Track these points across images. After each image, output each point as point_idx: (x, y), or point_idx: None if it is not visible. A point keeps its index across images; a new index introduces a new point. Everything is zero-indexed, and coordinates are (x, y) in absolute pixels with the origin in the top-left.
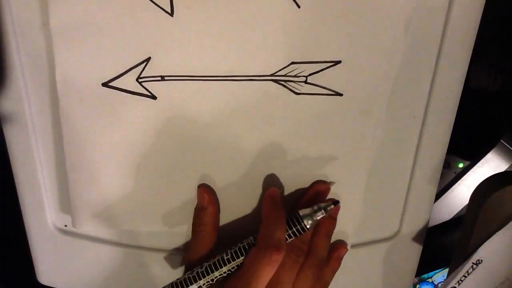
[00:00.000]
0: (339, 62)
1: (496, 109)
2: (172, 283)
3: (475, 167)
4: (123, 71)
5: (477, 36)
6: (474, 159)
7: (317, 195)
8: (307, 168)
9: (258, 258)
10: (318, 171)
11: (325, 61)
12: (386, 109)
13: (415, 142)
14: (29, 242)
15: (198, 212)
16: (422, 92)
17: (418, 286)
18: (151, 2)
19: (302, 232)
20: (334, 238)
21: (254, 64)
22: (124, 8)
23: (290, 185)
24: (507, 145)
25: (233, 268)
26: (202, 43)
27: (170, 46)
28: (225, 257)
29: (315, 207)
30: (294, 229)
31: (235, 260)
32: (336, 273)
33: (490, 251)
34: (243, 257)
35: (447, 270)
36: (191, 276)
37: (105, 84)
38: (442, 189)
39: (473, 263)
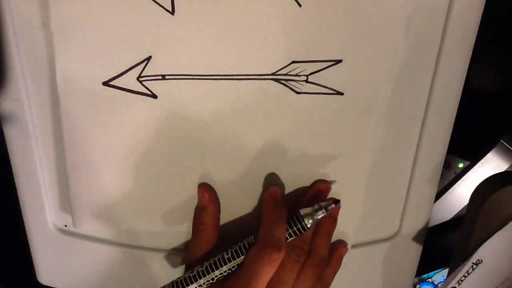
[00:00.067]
0: (340, 61)
1: (496, 109)
2: (172, 282)
3: (475, 167)
4: (124, 70)
5: (477, 36)
6: (474, 159)
7: (317, 194)
8: (308, 167)
9: (258, 257)
10: (318, 170)
11: (326, 60)
12: (386, 109)
13: (415, 142)
14: (29, 242)
15: (199, 211)
16: (422, 92)
17: (418, 286)
18: (152, 1)
19: (302, 231)
20: (334, 238)
21: (255, 63)
22: (125, 7)
23: (291, 184)
24: (507, 145)
25: (233, 267)
26: (203, 42)
27: (171, 45)
28: (226, 256)
29: (316, 206)
30: (294, 228)
31: (235, 259)
32: (337, 273)
33: (490, 251)
34: (243, 256)
35: (447, 270)
36: (191, 275)
37: (105, 83)
38: (442, 189)
39: (473, 263)
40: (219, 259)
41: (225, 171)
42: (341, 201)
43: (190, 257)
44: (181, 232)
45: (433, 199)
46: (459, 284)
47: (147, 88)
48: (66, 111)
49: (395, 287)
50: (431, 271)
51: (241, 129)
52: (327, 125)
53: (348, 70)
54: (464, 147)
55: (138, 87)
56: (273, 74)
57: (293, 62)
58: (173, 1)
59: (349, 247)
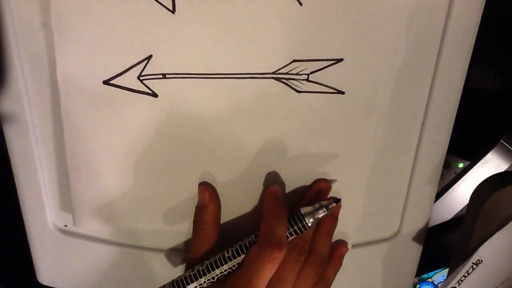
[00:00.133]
0: (341, 60)
1: (496, 109)
2: (173, 281)
3: (475, 167)
4: (125, 69)
5: (477, 36)
6: (474, 159)
7: (318, 193)
8: (308, 166)
9: (259, 256)
10: (319, 170)
11: (327, 59)
12: (387, 108)
13: (415, 142)
14: (29, 242)
15: (199, 210)
16: (422, 92)
17: (418, 286)
18: (153, 0)
19: (303, 230)
20: (334, 238)
21: (256, 62)
22: (126, 6)
23: (291, 183)
24: (507, 145)
25: (234, 266)
26: (203, 41)
27: (172, 44)
28: (226, 255)
29: (317, 205)
30: (295, 227)
31: (236, 258)
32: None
33: (490, 251)
34: (244, 255)
35: (447, 270)
36: (192, 274)
37: (106, 82)
38: (442, 189)
39: (473, 263)
40: (219, 258)
41: (225, 170)
42: (342, 201)
43: (191, 256)
44: (181, 231)
45: (433, 199)
46: (459, 284)
47: (147, 87)
48: (66, 110)
49: (395, 287)
50: (431, 271)
51: (242, 128)
52: (328, 124)
53: (349, 69)
54: (464, 147)
55: (139, 86)
56: (274, 73)
57: (294, 61)
58: (174, 0)
59: (349, 246)
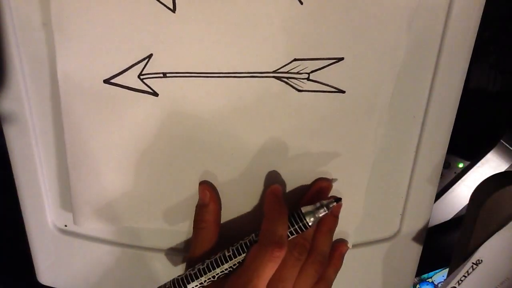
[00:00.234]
0: (342, 59)
1: (496, 109)
2: (173, 280)
3: (475, 167)
4: (125, 68)
5: (477, 36)
6: (474, 159)
7: (319, 192)
8: (309, 165)
9: (259, 255)
10: (320, 169)
11: (328, 58)
12: (387, 108)
13: (415, 142)
14: (29, 242)
15: (200, 209)
16: (422, 92)
17: (418, 286)
18: None
19: (304, 229)
20: (335, 237)
21: (256, 61)
22: (126, 5)
23: (292, 182)
24: (507, 145)
25: (234, 265)
26: (204, 39)
27: (172, 43)
28: (227, 254)
29: (317, 204)
30: (296, 226)
31: (236, 257)
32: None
33: (490, 251)
34: (244, 254)
35: (447, 270)
36: (192, 273)
37: (106, 81)
38: (442, 189)
39: (473, 263)
40: (220, 257)
41: (226, 169)
42: (342, 200)
43: (191, 255)
44: (182, 231)
45: (433, 199)
46: (459, 284)
47: (148, 86)
48: (67, 109)
49: (395, 287)
50: (431, 271)
51: (242, 127)
52: (328, 123)
53: (349, 68)
54: (464, 147)
55: (139, 85)
56: (274, 71)
57: (295, 59)
58: None
59: (349, 245)
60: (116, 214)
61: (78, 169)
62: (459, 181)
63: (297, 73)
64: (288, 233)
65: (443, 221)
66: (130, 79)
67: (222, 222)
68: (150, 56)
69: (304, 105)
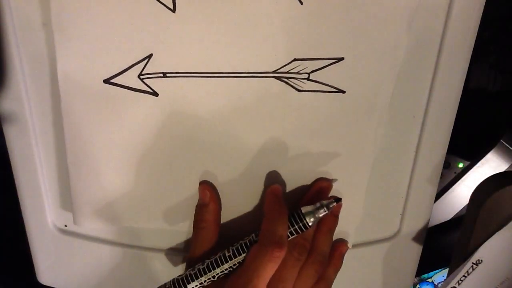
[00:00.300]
0: (342, 59)
1: (496, 109)
2: (173, 280)
3: (475, 167)
4: (125, 67)
5: (477, 36)
6: (474, 159)
7: (319, 192)
8: (309, 165)
9: (259, 255)
10: (320, 169)
11: (328, 58)
12: (387, 108)
13: (415, 142)
14: (29, 242)
15: (200, 209)
16: (422, 92)
17: (418, 286)
18: None
19: (304, 229)
20: (335, 237)
21: (257, 61)
22: (126, 5)
23: (292, 182)
24: (507, 145)
25: (234, 265)
26: (204, 39)
27: (172, 43)
28: (227, 254)
29: (318, 205)
30: (296, 226)
31: (236, 257)
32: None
33: (490, 251)
34: (244, 254)
35: (447, 270)
36: (192, 273)
37: (106, 81)
38: (442, 189)
39: (473, 263)
40: (220, 257)
41: (226, 169)
42: (342, 200)
43: (191, 255)
44: (182, 231)
45: (433, 199)
46: (459, 284)
47: (148, 86)
48: (67, 109)
49: (395, 287)
50: (431, 271)
51: (242, 127)
52: (328, 123)
53: (349, 68)
54: (464, 147)
55: (139, 85)
56: (274, 71)
57: (295, 59)
58: None
59: (349, 245)
60: (116, 214)
61: (78, 169)
62: (459, 181)
63: (297, 73)
64: (288, 233)
65: (443, 221)
66: (130, 79)
67: (222, 222)
68: (150, 56)
69: (304, 105)
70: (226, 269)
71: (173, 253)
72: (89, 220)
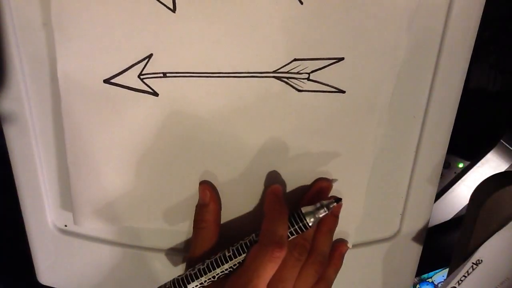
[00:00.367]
0: (342, 59)
1: (496, 109)
2: (173, 280)
3: (475, 167)
4: (125, 67)
5: (477, 36)
6: (474, 159)
7: (319, 192)
8: (309, 165)
9: (260, 255)
10: (320, 169)
11: (328, 58)
12: (387, 108)
13: (415, 142)
14: (29, 242)
15: (200, 209)
16: (422, 92)
17: (418, 286)
18: None
19: (304, 229)
20: (335, 237)
21: (257, 61)
22: (126, 5)
23: (292, 182)
24: (507, 145)
25: (235, 265)
26: (204, 39)
27: (172, 43)
28: (227, 254)
29: (318, 205)
30: (296, 226)
31: (237, 257)
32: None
33: (490, 251)
34: (245, 254)
35: (447, 270)
36: (192, 273)
37: (106, 81)
38: (442, 189)
39: (473, 263)
40: (220, 257)
41: (226, 169)
42: (342, 200)
43: (191, 255)
44: (182, 231)
45: (433, 199)
46: (459, 284)
47: (148, 86)
48: (67, 109)
49: (395, 287)
50: (431, 271)
51: (243, 127)
52: (328, 123)
53: (349, 68)
54: (464, 147)
55: (139, 85)
56: (274, 71)
57: (295, 59)
58: None
59: (349, 245)
60: (116, 214)
61: (78, 169)
62: (459, 181)
63: (297, 73)
64: (288, 234)
65: (443, 221)
66: (130, 79)
67: (222, 222)
68: (150, 56)
69: (304, 105)
70: (226, 269)
71: (173, 253)
72: (89, 220)
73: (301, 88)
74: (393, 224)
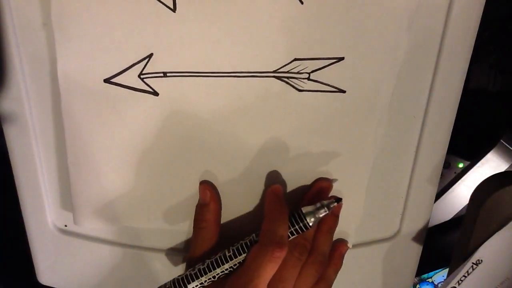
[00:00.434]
0: (342, 59)
1: (496, 109)
2: (173, 280)
3: (475, 167)
4: (125, 67)
5: (477, 36)
6: (474, 159)
7: (319, 192)
8: (309, 165)
9: (260, 255)
10: (320, 168)
11: (328, 57)
12: (388, 108)
13: (415, 142)
14: (29, 242)
15: (200, 208)
16: (422, 92)
17: (418, 286)
18: None
19: (304, 229)
20: (335, 237)
21: (257, 61)
22: (126, 4)
23: (292, 182)
24: (507, 145)
25: (235, 265)
26: (204, 39)
27: (172, 42)
28: (227, 254)
29: (318, 205)
30: (296, 226)
31: (237, 257)
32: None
33: (490, 251)
34: (245, 254)
35: (447, 270)
36: (192, 273)
37: (107, 81)
38: (442, 189)
39: (473, 263)
40: (220, 257)
41: (226, 169)
42: (343, 199)
43: (191, 255)
44: (182, 230)
45: (433, 199)
46: (459, 284)
47: (148, 86)
48: (67, 109)
49: (395, 287)
50: (431, 271)
51: (243, 127)
52: (329, 123)
53: (350, 68)
54: (464, 147)
55: (140, 85)
56: (274, 71)
57: (295, 59)
58: None
59: (349, 245)
60: (116, 214)
61: (78, 169)
62: (459, 181)
63: (298, 73)
64: (289, 233)
65: (443, 221)
66: (130, 78)
67: (222, 222)
68: (150, 55)
69: (304, 105)
70: (226, 269)
71: (173, 253)
72: (89, 220)
73: (301, 88)
74: (393, 224)
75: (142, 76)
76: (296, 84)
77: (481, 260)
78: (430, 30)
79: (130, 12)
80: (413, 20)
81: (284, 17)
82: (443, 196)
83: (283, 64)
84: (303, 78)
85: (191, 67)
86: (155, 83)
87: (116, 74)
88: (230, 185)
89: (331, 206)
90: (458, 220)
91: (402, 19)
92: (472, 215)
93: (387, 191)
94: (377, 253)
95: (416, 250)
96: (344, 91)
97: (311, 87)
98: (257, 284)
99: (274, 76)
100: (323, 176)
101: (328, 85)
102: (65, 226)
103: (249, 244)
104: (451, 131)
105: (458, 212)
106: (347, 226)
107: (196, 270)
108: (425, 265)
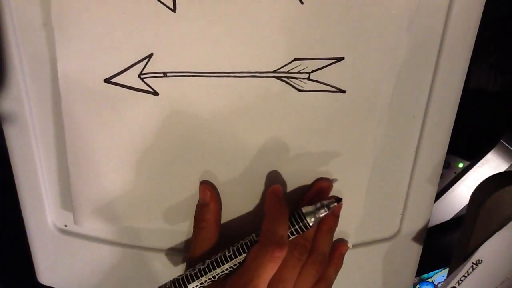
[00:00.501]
0: (342, 58)
1: (496, 109)
2: (174, 280)
3: (475, 167)
4: (125, 67)
5: (477, 36)
6: (474, 159)
7: (319, 192)
8: (309, 165)
9: (260, 255)
10: (320, 169)
11: (328, 57)
12: (388, 108)
13: (415, 142)
14: (29, 242)
15: (200, 208)
16: (422, 92)
17: (418, 286)
18: None
19: (304, 229)
20: (335, 237)
21: (257, 61)
22: (126, 4)
23: (292, 182)
24: (507, 145)
25: (235, 265)
26: (204, 39)
27: (172, 42)
28: (227, 254)
29: (318, 205)
30: (296, 226)
31: (237, 257)
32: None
33: (490, 251)
34: (245, 254)
35: (447, 270)
36: (192, 273)
37: (107, 80)
38: (442, 189)
39: (473, 263)
40: (220, 257)
41: (226, 169)
42: (343, 199)
43: (191, 255)
44: (182, 230)
45: (433, 199)
46: (459, 284)
47: (148, 86)
48: (67, 109)
49: (395, 287)
50: (431, 271)
51: (243, 127)
52: (329, 123)
53: (350, 67)
54: (464, 147)
55: (140, 84)
56: (275, 71)
57: (295, 59)
58: None
59: (349, 245)
60: (116, 214)
61: (79, 168)
62: (459, 181)
63: (298, 72)
64: (289, 233)
65: (443, 221)
66: (130, 78)
67: (222, 222)
68: (150, 55)
69: (304, 105)
70: (226, 269)
71: (173, 253)
72: (89, 220)
73: (301, 88)
74: (393, 224)
75: (142, 76)
76: (296, 84)
77: (481, 260)
78: (430, 30)
79: (130, 12)
80: (413, 20)
81: (284, 17)
82: (443, 196)
83: (283, 64)
84: (303, 78)
85: (191, 67)
86: (155, 83)
87: (116, 74)
88: (230, 185)
89: (331, 206)
90: (458, 220)
91: (402, 19)
92: (472, 215)
93: (387, 191)
94: (377, 253)
95: (416, 250)
96: (344, 91)
97: (311, 87)
98: (257, 284)
99: (274, 76)
100: (323, 176)
101: (328, 85)
102: (65, 226)
103: (249, 244)
104: (451, 131)
105: (458, 212)
106: (347, 226)
107: (196, 270)
108: (425, 265)
